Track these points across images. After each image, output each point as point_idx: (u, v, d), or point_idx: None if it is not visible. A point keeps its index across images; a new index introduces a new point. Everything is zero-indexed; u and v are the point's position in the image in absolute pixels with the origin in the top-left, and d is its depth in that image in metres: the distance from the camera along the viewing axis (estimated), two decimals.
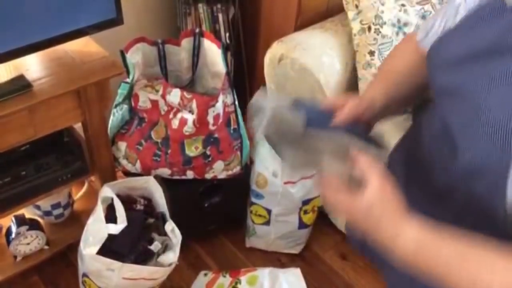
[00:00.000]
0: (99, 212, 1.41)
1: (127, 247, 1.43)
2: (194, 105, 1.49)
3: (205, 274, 1.68)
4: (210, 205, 1.77)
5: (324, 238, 1.92)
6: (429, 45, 0.82)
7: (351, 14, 1.66)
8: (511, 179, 0.58)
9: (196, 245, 1.88)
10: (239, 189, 1.77)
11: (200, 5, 1.80)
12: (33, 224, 1.58)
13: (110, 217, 1.43)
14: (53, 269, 1.72)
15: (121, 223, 1.37)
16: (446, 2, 0.83)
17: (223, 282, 1.61)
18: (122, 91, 1.57)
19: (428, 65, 0.80)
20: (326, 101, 0.81)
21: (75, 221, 1.72)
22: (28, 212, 1.65)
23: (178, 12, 1.88)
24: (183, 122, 1.51)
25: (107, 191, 1.46)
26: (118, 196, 1.46)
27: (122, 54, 1.48)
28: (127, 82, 1.52)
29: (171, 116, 1.53)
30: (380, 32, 1.63)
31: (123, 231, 1.37)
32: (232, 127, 1.60)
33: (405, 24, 1.67)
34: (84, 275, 1.46)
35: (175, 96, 1.50)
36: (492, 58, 0.65)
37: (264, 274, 1.59)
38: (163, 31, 2.01)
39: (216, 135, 1.56)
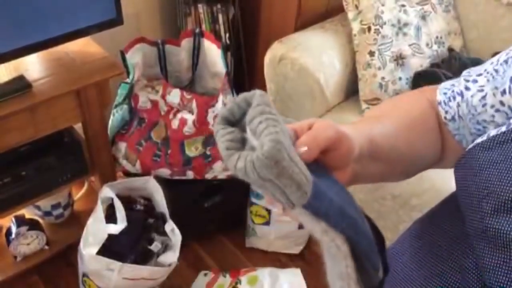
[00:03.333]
0: (99, 212, 1.41)
1: (127, 247, 1.44)
2: (194, 105, 1.49)
3: (205, 274, 1.68)
4: (210, 205, 1.78)
5: None
6: (451, 118, 0.61)
7: (351, 14, 1.66)
8: None
9: (196, 245, 1.88)
10: (239, 189, 1.77)
11: (200, 5, 1.80)
12: (33, 224, 1.58)
13: (110, 217, 1.43)
14: (53, 269, 1.72)
15: (121, 223, 1.37)
16: (495, 63, 0.58)
17: (223, 282, 1.61)
18: (122, 91, 1.57)
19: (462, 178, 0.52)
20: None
21: (75, 221, 1.72)
22: (28, 212, 1.65)
23: (178, 13, 1.88)
24: (183, 122, 1.51)
25: (107, 191, 1.46)
26: (118, 196, 1.46)
27: (122, 55, 1.48)
28: (127, 83, 1.53)
29: (171, 116, 1.53)
30: (380, 32, 1.63)
31: (123, 231, 1.37)
32: None
33: (405, 25, 1.67)
34: (84, 275, 1.47)
35: (175, 96, 1.50)
36: None
37: (264, 274, 1.59)
38: (163, 32, 2.01)
39: None
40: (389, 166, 0.59)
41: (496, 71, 0.57)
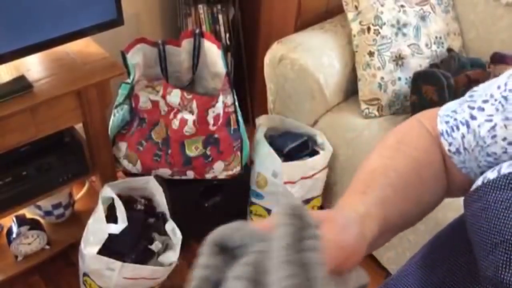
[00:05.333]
0: (100, 212, 1.42)
1: (127, 247, 1.44)
2: (194, 105, 1.50)
3: None
4: (210, 205, 1.78)
5: None
6: (455, 151, 0.55)
7: (350, 15, 1.67)
8: None
9: (196, 245, 1.89)
10: (239, 189, 1.77)
11: (200, 6, 1.81)
12: (34, 224, 1.59)
13: (111, 217, 1.43)
14: (54, 269, 1.73)
15: (122, 223, 1.38)
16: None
17: None
18: (122, 91, 1.57)
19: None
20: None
21: (76, 221, 1.73)
22: (29, 212, 1.66)
23: (179, 13, 1.89)
24: (183, 122, 1.51)
25: (107, 191, 1.47)
26: (119, 196, 1.46)
27: (123, 55, 1.48)
28: (127, 83, 1.53)
29: (171, 116, 1.53)
30: (379, 33, 1.64)
31: (123, 231, 1.37)
32: (232, 127, 1.61)
33: (404, 25, 1.68)
34: (85, 274, 1.47)
35: (175, 96, 1.50)
36: None
37: None
38: (163, 32, 2.01)
39: (216, 136, 1.57)
40: (394, 233, 0.55)
41: (506, 98, 0.50)
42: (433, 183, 0.56)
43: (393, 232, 0.54)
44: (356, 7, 1.66)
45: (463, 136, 0.54)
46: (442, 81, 1.56)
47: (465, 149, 0.54)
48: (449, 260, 0.54)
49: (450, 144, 0.56)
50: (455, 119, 0.55)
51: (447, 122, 0.56)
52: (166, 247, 1.52)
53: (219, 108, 1.53)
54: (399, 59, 1.67)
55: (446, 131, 0.56)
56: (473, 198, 0.48)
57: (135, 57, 1.55)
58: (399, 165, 0.55)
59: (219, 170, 1.64)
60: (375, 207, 0.49)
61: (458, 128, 0.55)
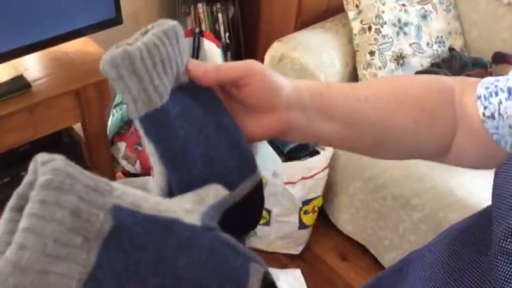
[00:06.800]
0: None
1: None
2: None
3: None
4: None
5: (325, 238, 1.92)
6: (490, 115, 0.55)
7: (351, 14, 1.66)
8: None
9: None
10: None
11: (199, 4, 1.80)
12: None
13: None
14: None
15: None
16: None
17: None
18: None
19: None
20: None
21: None
22: None
23: (178, 12, 1.88)
24: None
25: None
26: None
27: None
28: None
29: None
30: (380, 32, 1.63)
31: None
32: None
33: (406, 24, 1.67)
34: None
35: None
36: None
37: None
38: None
39: None
40: (351, 131, 0.54)
41: None
42: (416, 115, 0.56)
43: (342, 124, 0.53)
44: (357, 6, 1.65)
45: (500, 102, 0.54)
46: None
47: (500, 114, 0.54)
48: (470, 235, 0.54)
49: (485, 107, 0.55)
50: (496, 86, 0.55)
51: (487, 88, 0.56)
52: None
53: None
54: (400, 59, 1.66)
55: (484, 95, 0.56)
56: (504, 163, 0.48)
57: None
58: (381, 84, 0.57)
59: None
60: (314, 82, 0.52)
61: (497, 94, 0.55)
